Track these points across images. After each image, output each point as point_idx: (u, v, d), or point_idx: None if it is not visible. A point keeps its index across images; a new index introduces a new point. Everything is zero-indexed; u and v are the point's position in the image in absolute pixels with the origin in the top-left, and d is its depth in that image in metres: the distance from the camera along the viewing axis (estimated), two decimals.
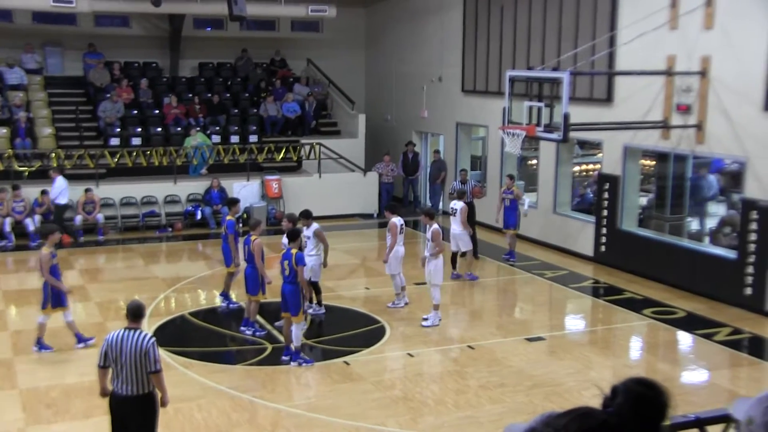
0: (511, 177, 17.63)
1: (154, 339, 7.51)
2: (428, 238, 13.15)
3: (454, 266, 15.86)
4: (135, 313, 7.66)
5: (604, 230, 16.90)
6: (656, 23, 14.81)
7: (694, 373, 11.73)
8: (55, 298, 11.54)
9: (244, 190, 21.07)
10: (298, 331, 11.31)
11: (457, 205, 15.44)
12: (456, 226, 15.38)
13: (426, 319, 13.11)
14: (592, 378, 10.98)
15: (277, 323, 12.65)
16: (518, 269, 16.84)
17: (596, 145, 18.62)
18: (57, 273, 11.62)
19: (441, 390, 10.47)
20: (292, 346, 11.38)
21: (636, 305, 14.26)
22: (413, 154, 23.04)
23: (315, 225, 13.23)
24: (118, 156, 20.55)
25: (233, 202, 14.20)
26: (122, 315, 7.80)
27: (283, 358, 11.48)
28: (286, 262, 11.21)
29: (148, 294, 14.31)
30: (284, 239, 11.78)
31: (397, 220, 13.75)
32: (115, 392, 7.50)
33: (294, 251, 11.24)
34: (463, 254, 15.71)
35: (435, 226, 13.10)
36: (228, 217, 13.93)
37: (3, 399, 10.13)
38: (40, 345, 11.68)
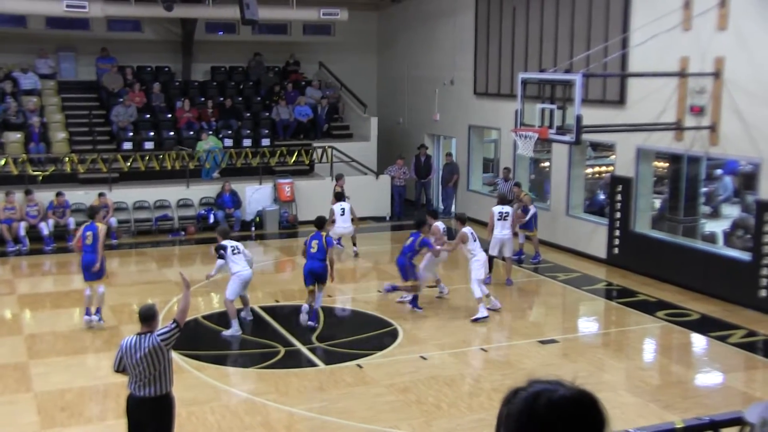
0: (517, 185, 17.75)
1: (158, 330, 7.59)
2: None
3: (489, 270, 15.80)
4: (146, 317, 7.67)
5: (617, 232, 16.84)
6: (669, 24, 14.76)
7: (709, 376, 11.67)
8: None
9: (257, 194, 21.13)
10: (322, 296, 13.29)
11: (507, 208, 15.52)
12: (507, 231, 15.38)
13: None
14: (605, 381, 10.94)
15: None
16: (531, 272, 16.80)
17: (609, 147, 18.57)
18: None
19: (454, 393, 10.45)
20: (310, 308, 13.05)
21: (649, 307, 14.20)
22: (426, 157, 23.03)
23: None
24: (131, 160, 20.63)
25: None
26: (136, 319, 7.83)
27: (310, 322, 12.99)
28: (315, 242, 13.04)
29: (162, 297, 14.34)
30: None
31: (440, 224, 14.52)
32: (131, 394, 7.55)
33: (324, 234, 13.18)
34: (503, 259, 15.81)
35: (463, 229, 13.58)
36: None
37: (18, 402, 10.18)
38: (99, 313, 13.08)
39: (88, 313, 12.98)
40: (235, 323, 12.77)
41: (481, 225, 17.02)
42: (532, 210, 16.98)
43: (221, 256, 12.84)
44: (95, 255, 12.78)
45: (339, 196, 18.11)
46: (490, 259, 15.76)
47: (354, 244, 18.29)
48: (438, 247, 13.90)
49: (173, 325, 7.56)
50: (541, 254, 17.38)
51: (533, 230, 17.15)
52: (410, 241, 13.61)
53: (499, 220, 15.36)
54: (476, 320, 13.26)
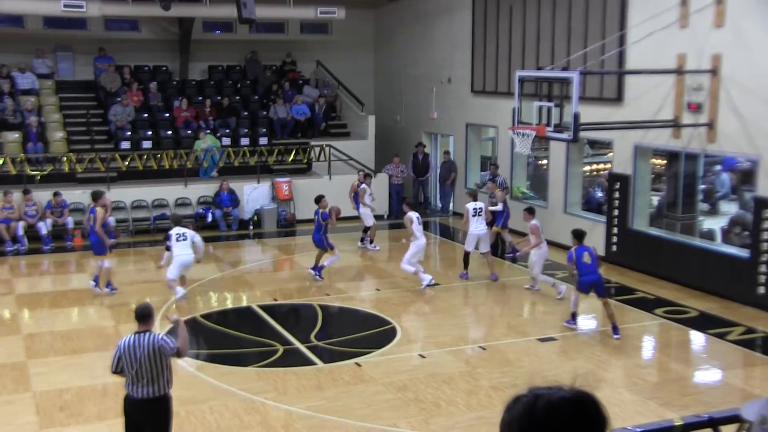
0: (492, 180, 17.86)
1: (162, 334, 7.59)
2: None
3: (466, 266, 15.86)
4: (142, 315, 7.67)
5: (615, 230, 16.85)
6: (666, 22, 14.77)
7: (707, 373, 11.68)
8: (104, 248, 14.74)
9: (255, 193, 21.12)
10: (334, 258, 15.86)
11: (480, 204, 15.71)
12: (483, 227, 15.55)
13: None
14: (604, 378, 10.95)
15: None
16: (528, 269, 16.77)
17: (607, 145, 18.57)
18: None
19: (453, 391, 10.46)
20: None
21: (648, 305, 14.22)
22: (423, 155, 23.03)
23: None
24: (128, 159, 20.62)
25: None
26: (134, 318, 7.82)
27: (312, 271, 15.78)
28: (316, 218, 15.73)
29: (160, 297, 14.34)
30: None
31: (536, 222, 14.88)
32: (129, 395, 7.54)
33: (321, 211, 15.65)
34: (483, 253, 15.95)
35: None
36: None
37: (17, 402, 10.18)
38: (110, 286, 14.91)
39: (108, 285, 14.84)
40: (178, 290, 14.18)
41: None
42: (498, 207, 17.07)
43: (168, 248, 14.30)
44: (95, 235, 14.63)
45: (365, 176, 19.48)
46: (467, 255, 15.85)
47: (365, 235, 18.96)
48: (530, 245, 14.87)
49: (175, 350, 7.55)
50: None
51: (498, 226, 17.19)
52: (588, 257, 12.69)
53: (473, 216, 15.48)
54: (428, 286, 14.79)
